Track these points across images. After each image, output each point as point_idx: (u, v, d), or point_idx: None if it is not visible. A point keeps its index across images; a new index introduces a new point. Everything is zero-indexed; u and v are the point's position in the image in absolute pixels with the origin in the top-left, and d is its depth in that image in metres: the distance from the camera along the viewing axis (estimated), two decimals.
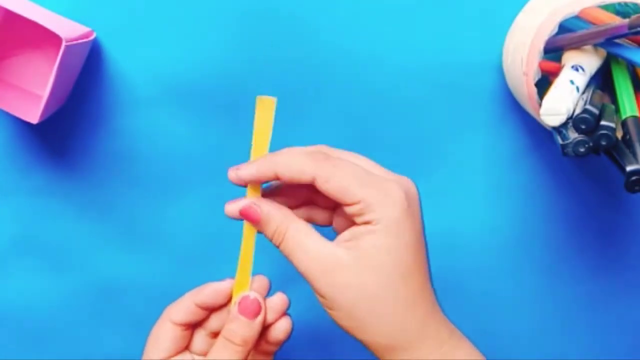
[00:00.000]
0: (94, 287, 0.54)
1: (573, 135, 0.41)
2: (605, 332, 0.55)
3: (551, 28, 0.42)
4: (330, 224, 0.45)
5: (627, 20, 0.40)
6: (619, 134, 0.43)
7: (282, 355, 0.55)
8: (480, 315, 0.54)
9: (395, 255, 0.40)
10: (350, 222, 0.42)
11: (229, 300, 0.45)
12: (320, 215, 0.45)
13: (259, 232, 0.43)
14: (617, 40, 0.44)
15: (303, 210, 0.45)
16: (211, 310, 0.46)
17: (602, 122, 0.40)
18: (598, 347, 0.55)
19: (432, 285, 0.42)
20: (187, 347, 0.46)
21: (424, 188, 0.53)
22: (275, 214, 0.42)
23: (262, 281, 0.45)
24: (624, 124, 0.42)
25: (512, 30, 0.49)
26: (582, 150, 0.41)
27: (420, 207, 0.42)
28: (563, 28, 0.45)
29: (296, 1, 0.51)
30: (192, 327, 0.46)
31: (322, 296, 0.41)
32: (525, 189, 0.53)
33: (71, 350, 0.55)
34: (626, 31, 0.40)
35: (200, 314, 0.45)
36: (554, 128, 0.42)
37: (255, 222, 0.42)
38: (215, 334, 0.46)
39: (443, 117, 0.52)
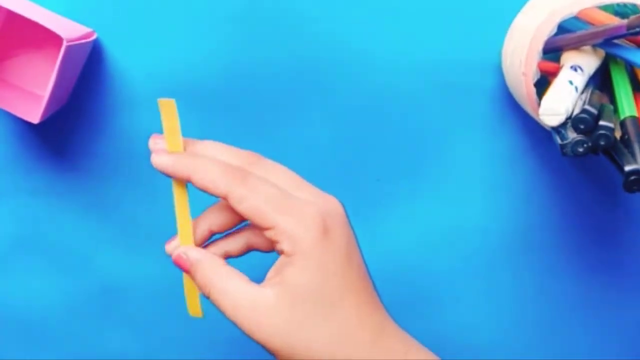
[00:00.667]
0: (94, 287, 0.54)
1: (572, 135, 0.41)
2: (604, 332, 0.55)
3: (550, 28, 0.42)
4: (273, 249, 0.42)
5: (625, 21, 0.40)
6: (618, 134, 0.43)
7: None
8: (479, 315, 0.54)
9: (317, 285, 0.38)
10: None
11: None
12: (260, 240, 0.42)
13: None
14: (615, 41, 0.44)
15: (242, 236, 0.42)
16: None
17: (601, 122, 0.40)
18: (597, 347, 0.55)
19: (379, 299, 0.41)
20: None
21: (423, 187, 0.53)
22: (202, 264, 0.40)
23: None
24: (622, 124, 0.42)
25: (511, 31, 0.49)
26: (580, 150, 0.41)
27: (348, 227, 0.40)
28: (562, 29, 0.45)
29: (295, 1, 0.51)
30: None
31: (258, 342, 0.39)
32: (524, 188, 0.53)
33: (71, 350, 0.55)
34: (625, 32, 0.40)
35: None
36: (553, 128, 0.42)
37: (185, 271, 0.41)
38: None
39: (442, 116, 0.52)
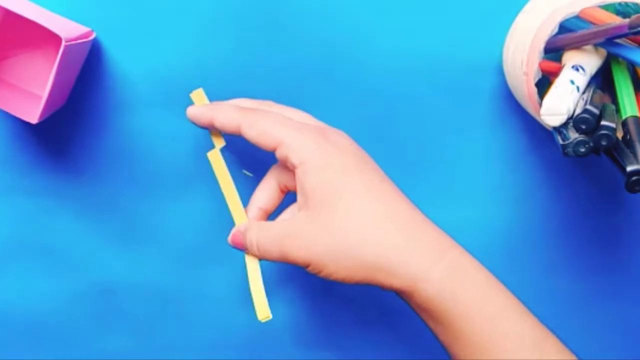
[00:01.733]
0: (93, 287, 0.54)
1: (573, 135, 0.41)
2: (605, 332, 0.55)
3: (551, 28, 0.42)
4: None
5: (627, 20, 0.40)
6: (620, 134, 0.43)
7: (281, 354, 0.55)
8: None
9: (334, 174, 0.41)
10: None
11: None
12: (285, 170, 0.46)
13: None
14: (617, 40, 0.44)
15: (272, 174, 0.46)
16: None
17: (603, 122, 0.40)
18: (597, 346, 0.55)
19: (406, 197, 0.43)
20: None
21: (424, 187, 0.53)
22: (250, 230, 0.44)
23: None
24: (624, 123, 0.42)
25: (512, 30, 0.49)
26: (582, 150, 0.40)
27: (353, 142, 0.44)
28: (563, 28, 0.45)
29: (296, 2, 0.51)
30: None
31: (305, 265, 0.42)
32: (525, 188, 0.53)
33: (71, 350, 0.55)
34: (626, 31, 0.40)
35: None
36: (555, 128, 0.42)
37: (242, 247, 0.45)
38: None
39: (443, 116, 0.52)
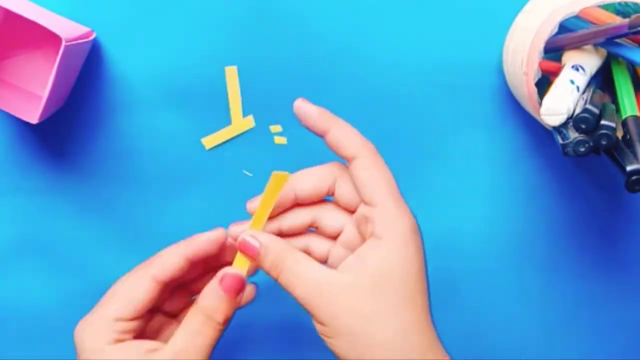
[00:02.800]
0: (94, 287, 0.54)
1: (573, 134, 0.41)
2: (606, 332, 0.55)
3: (551, 28, 0.42)
4: (326, 260, 0.43)
5: (627, 20, 0.40)
6: (619, 134, 0.43)
7: (274, 354, 0.55)
8: (480, 315, 0.54)
9: (401, 276, 0.39)
10: (350, 249, 0.41)
11: (220, 251, 0.43)
12: (319, 245, 0.43)
13: (257, 266, 0.42)
14: (617, 40, 0.44)
15: (302, 239, 0.43)
16: (197, 264, 0.43)
17: (603, 122, 0.40)
18: (598, 346, 0.55)
19: (432, 318, 0.41)
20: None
21: (424, 187, 0.53)
22: (273, 247, 0.40)
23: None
24: (624, 123, 0.42)
25: (512, 30, 0.49)
26: (582, 149, 0.40)
27: (422, 242, 0.41)
28: (563, 28, 0.45)
29: (296, 1, 0.51)
30: (166, 291, 0.44)
31: (321, 323, 0.39)
32: (525, 188, 0.53)
33: (71, 350, 0.55)
34: (626, 31, 0.40)
35: (185, 269, 0.43)
36: (554, 128, 0.42)
37: (252, 256, 0.41)
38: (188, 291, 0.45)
39: (443, 116, 0.52)
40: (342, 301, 0.38)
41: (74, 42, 0.45)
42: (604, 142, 0.40)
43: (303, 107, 0.42)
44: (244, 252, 0.41)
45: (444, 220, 0.53)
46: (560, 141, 0.41)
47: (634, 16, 0.40)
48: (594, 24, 0.44)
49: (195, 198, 0.53)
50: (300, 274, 0.39)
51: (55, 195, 0.53)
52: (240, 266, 0.42)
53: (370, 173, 0.40)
